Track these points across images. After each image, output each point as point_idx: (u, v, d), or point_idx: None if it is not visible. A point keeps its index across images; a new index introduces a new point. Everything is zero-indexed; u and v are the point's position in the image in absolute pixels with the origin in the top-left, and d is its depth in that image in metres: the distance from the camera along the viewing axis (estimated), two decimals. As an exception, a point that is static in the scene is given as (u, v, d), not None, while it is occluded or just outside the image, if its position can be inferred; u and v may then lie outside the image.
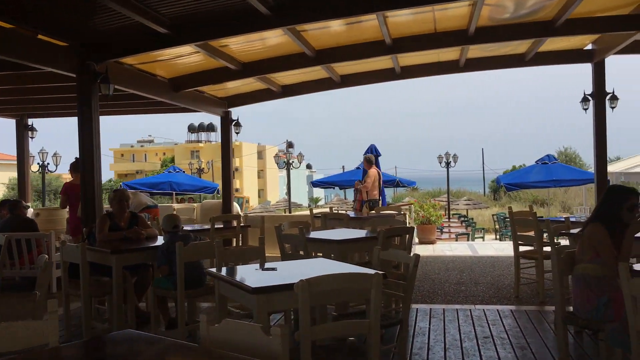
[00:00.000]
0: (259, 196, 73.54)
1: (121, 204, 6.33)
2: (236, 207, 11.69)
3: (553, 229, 5.67)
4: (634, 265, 3.87)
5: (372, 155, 11.70)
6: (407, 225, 11.30)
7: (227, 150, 11.62)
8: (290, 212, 21.37)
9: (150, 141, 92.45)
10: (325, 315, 4.46)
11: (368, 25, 8.02)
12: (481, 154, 56.71)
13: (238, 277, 3.76)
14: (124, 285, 5.80)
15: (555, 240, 6.14)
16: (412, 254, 4.07)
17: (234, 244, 8.68)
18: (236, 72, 9.04)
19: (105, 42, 6.90)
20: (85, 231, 6.67)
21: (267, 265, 4.22)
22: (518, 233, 7.13)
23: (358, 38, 8.55)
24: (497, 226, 22.70)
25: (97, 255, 5.60)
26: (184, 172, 21.38)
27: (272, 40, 8.29)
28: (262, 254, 4.72)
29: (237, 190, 73.36)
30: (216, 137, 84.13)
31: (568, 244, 5.85)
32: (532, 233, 7.90)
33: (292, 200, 64.35)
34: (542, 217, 7.74)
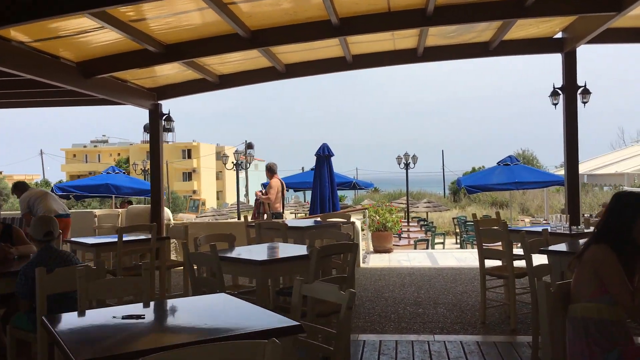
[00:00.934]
0: (218, 198, 71.61)
1: (-13, 214, 4.93)
2: (167, 213, 10.29)
3: (529, 243, 4.55)
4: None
5: (274, 164, 10.66)
6: (361, 232, 10.14)
7: (156, 148, 10.22)
8: (239, 217, 19.96)
9: (105, 141, 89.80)
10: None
11: (311, 2, 6.81)
12: (441, 156, 56.46)
13: (74, 335, 2.45)
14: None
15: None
16: (346, 291, 2.84)
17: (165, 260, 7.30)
18: (158, 55, 7.68)
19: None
20: (-57, 248, 5.23)
21: (136, 310, 2.92)
22: (484, 245, 6.04)
23: (300, 17, 7.31)
24: (457, 230, 21.89)
25: None
26: (125, 173, 19.75)
27: (198, 17, 6.99)
28: (145, 286, 3.43)
29: (194, 192, 71.53)
30: (173, 137, 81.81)
31: (547, 262, 4.74)
32: (499, 245, 6.85)
33: (250, 203, 62.83)
34: (505, 221, 6.68)
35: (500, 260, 6.11)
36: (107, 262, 7.22)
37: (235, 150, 19.45)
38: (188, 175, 74.70)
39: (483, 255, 5.91)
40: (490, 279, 6.08)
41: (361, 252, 10.00)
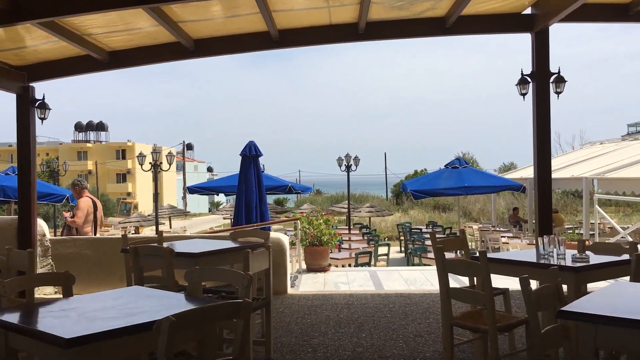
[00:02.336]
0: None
1: None
2: (42, 227, 8.05)
3: (536, 294, 2.76)
4: None
5: (82, 180, 8.71)
6: (289, 250, 8.25)
7: (26, 143, 7.95)
8: (157, 229, 17.59)
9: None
10: None
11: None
12: (384, 158, 55.47)
13: None
14: None
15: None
16: None
17: None
18: (1, 13, 5.55)
19: None
20: None
21: None
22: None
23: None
24: (402, 237, 20.39)
25: None
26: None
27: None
28: None
29: (129, 194, 67.69)
30: (107, 136, 77.45)
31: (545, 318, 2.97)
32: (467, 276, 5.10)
33: (189, 206, 59.85)
34: (484, 252, 4.96)
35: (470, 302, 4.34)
36: None
37: (153, 150, 17.16)
38: (122, 177, 71.18)
39: (449, 296, 4.11)
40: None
41: (289, 274, 8.10)
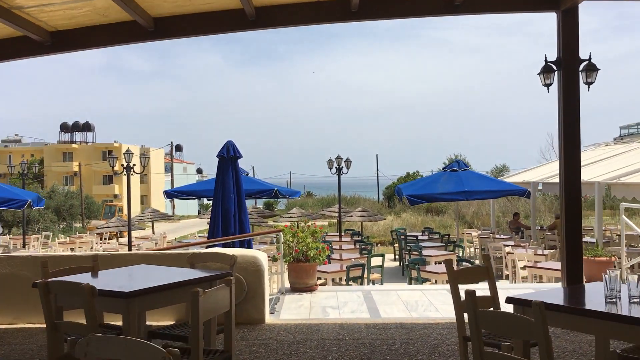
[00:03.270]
0: (142, 202, 66.61)
1: None
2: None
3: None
4: None
5: None
6: (267, 270, 6.96)
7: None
8: (130, 238, 16.20)
9: (18, 141, 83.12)
10: None
11: None
12: (375, 160, 54.28)
13: None
14: None
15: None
16: None
17: None
18: None
19: None
20: None
21: None
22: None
23: None
24: (396, 245, 19.17)
25: None
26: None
27: None
28: None
29: (116, 196, 66.00)
30: (93, 137, 75.63)
31: None
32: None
33: (178, 209, 58.08)
34: (540, 303, 3.73)
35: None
36: None
37: (127, 150, 15.81)
38: (109, 179, 69.68)
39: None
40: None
41: (267, 299, 6.81)
